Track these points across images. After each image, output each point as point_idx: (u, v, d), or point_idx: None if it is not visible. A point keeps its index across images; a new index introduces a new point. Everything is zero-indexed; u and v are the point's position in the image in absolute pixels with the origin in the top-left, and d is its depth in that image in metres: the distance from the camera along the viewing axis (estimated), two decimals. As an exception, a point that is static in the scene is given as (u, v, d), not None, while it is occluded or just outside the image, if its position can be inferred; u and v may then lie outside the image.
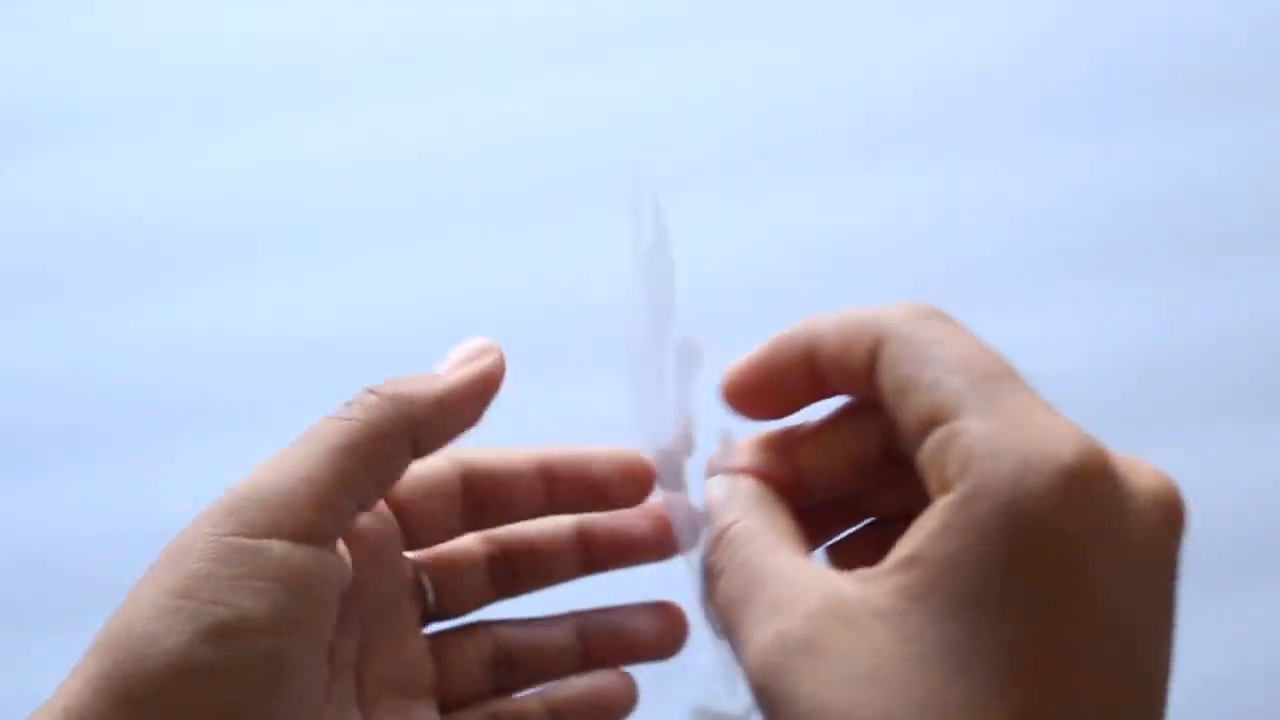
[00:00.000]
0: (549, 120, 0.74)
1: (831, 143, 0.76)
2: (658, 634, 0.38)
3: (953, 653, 0.25)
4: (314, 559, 0.31)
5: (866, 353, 0.30)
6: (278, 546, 0.31)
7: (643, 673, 0.68)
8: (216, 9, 0.79)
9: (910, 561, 0.27)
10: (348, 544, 0.34)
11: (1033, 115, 0.76)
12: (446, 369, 0.35)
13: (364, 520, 0.35)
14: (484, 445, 0.37)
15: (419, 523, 0.36)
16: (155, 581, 0.31)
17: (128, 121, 0.77)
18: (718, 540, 0.32)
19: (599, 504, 0.37)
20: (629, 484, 0.36)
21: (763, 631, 0.29)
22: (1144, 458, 0.28)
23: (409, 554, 0.37)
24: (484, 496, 0.37)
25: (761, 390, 0.33)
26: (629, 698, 0.38)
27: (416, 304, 0.73)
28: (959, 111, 0.77)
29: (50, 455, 0.71)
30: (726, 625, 0.31)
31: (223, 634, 0.30)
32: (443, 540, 0.37)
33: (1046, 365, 0.71)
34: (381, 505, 0.36)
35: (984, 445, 0.27)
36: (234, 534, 0.31)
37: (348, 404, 0.34)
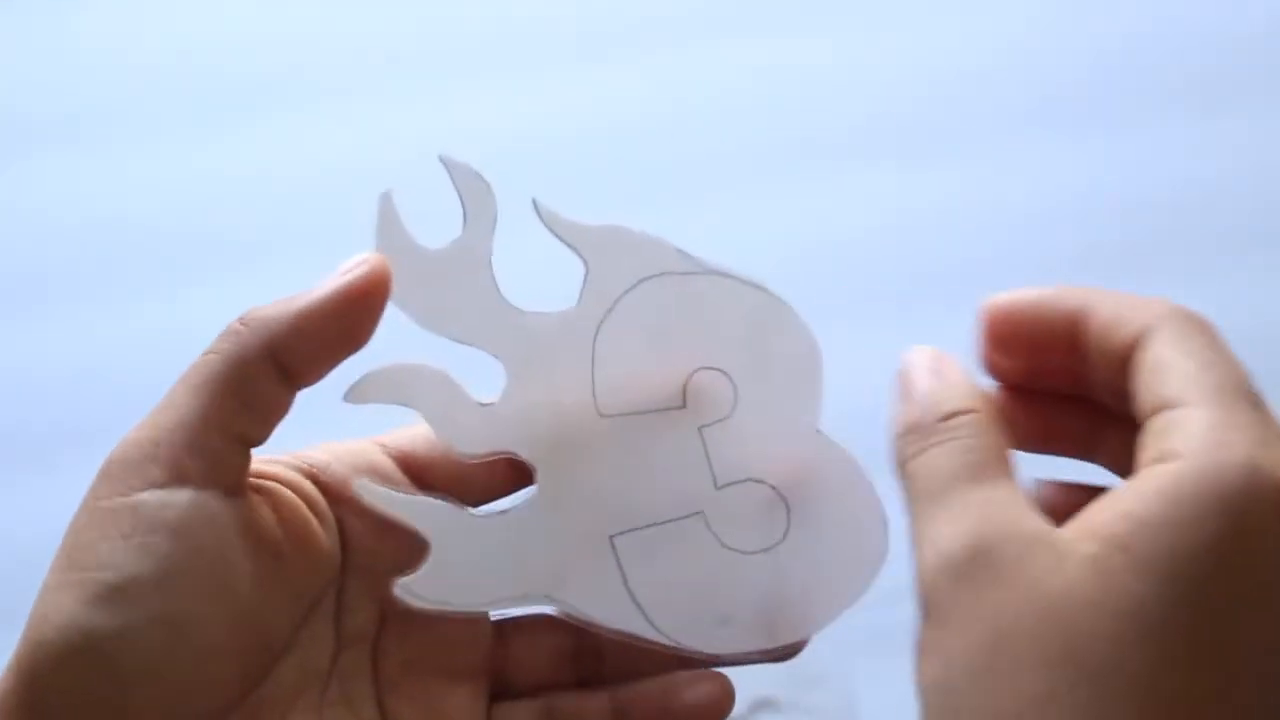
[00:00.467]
0: (549, 120, 0.74)
1: (832, 143, 0.76)
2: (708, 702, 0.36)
3: (1145, 613, 0.26)
4: (195, 505, 0.30)
5: (1137, 330, 0.30)
6: (151, 497, 0.30)
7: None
8: (216, 9, 0.79)
9: (1124, 516, 0.27)
10: (353, 513, 0.34)
11: (1033, 115, 0.77)
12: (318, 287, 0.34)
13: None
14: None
15: (468, 490, 0.36)
16: (53, 563, 0.30)
17: (128, 121, 0.77)
18: (943, 415, 0.31)
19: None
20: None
21: (959, 529, 0.28)
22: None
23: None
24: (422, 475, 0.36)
25: (1019, 327, 0.33)
26: (731, 700, 0.37)
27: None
28: (959, 112, 0.77)
29: (50, 455, 0.71)
30: (916, 496, 0.30)
31: (110, 598, 0.29)
32: None
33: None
34: (395, 470, 0.35)
35: (1220, 433, 0.27)
36: (108, 495, 0.30)
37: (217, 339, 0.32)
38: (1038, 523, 0.28)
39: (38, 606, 0.29)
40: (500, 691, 0.36)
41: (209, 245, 0.75)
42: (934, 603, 0.28)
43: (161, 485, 0.30)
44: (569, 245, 0.37)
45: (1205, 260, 0.74)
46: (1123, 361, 0.30)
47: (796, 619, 0.37)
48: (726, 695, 0.36)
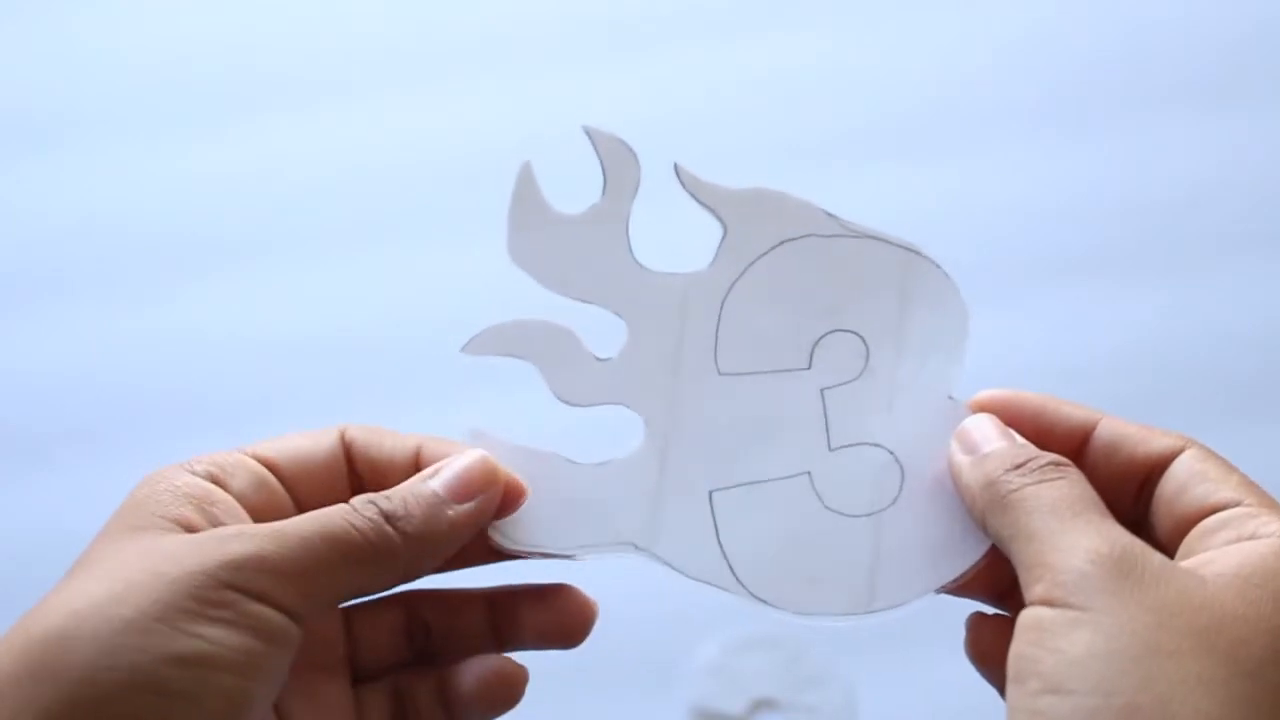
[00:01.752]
0: (549, 120, 0.74)
1: (831, 143, 0.76)
2: (559, 624, 0.38)
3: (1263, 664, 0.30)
4: (286, 624, 0.32)
5: (1168, 447, 0.35)
6: (262, 609, 0.32)
7: (643, 672, 0.69)
8: (216, 9, 0.79)
9: (1241, 564, 0.31)
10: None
11: (1033, 115, 0.77)
12: (451, 493, 0.35)
13: (255, 496, 0.35)
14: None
15: (309, 498, 0.36)
16: (125, 602, 0.31)
17: (128, 121, 0.77)
18: (1050, 462, 0.34)
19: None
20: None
21: (1108, 537, 0.31)
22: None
23: None
24: (366, 480, 0.37)
25: (1026, 419, 0.37)
26: (517, 691, 0.38)
27: (416, 304, 0.73)
28: (959, 111, 0.77)
29: (50, 455, 0.71)
30: (1044, 511, 0.33)
31: (190, 662, 0.30)
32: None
33: (1046, 365, 0.71)
34: (276, 484, 0.36)
35: None
36: (228, 585, 0.31)
37: (369, 504, 0.34)
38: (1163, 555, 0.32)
39: (102, 637, 0.30)
40: (357, 676, 0.38)
41: (209, 245, 0.75)
42: (1088, 588, 0.30)
43: (271, 605, 0.32)
44: (709, 209, 0.38)
45: (1205, 260, 0.74)
46: (1146, 470, 0.35)
47: (890, 589, 0.37)
48: (521, 681, 0.38)
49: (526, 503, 0.36)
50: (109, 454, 0.70)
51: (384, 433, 0.38)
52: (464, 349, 0.37)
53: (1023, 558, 0.32)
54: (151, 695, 0.30)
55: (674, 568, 0.37)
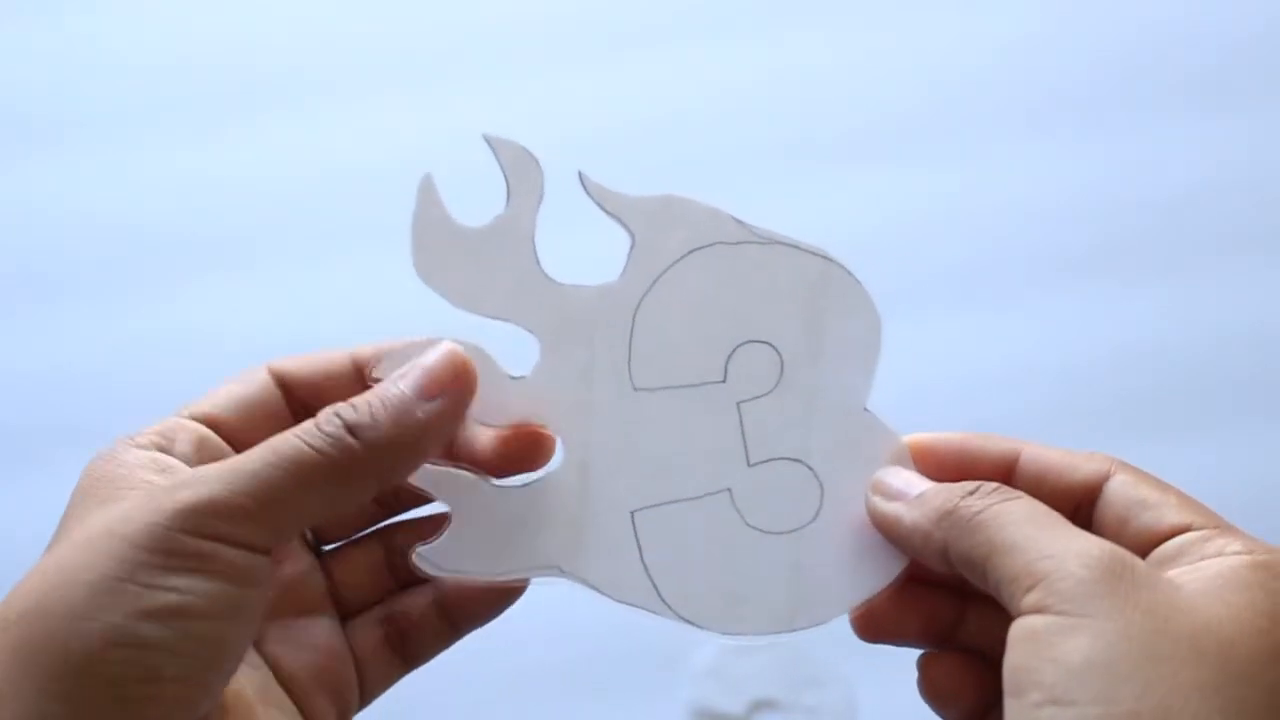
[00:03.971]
0: (547, 121, 0.74)
1: (831, 143, 0.76)
2: None
3: (1271, 639, 0.30)
4: (258, 563, 0.32)
5: (1094, 473, 0.35)
6: (225, 551, 0.31)
7: (643, 673, 0.68)
8: (216, 9, 0.79)
9: (1219, 574, 0.31)
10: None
11: (1033, 115, 0.77)
12: (420, 392, 0.34)
13: (199, 457, 0.35)
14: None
15: (257, 441, 0.35)
16: (91, 567, 0.31)
17: (128, 121, 0.77)
18: (998, 487, 0.34)
19: None
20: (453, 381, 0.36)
21: (1096, 543, 0.31)
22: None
23: None
24: (309, 403, 0.36)
25: (947, 462, 0.36)
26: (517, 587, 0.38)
27: (416, 304, 0.72)
28: (959, 112, 0.77)
29: (49, 455, 0.71)
30: (1023, 522, 0.32)
31: (166, 615, 0.30)
32: None
33: (1046, 365, 0.71)
34: (218, 440, 0.36)
35: (1259, 544, 0.32)
36: (183, 531, 0.31)
37: (320, 428, 0.33)
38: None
39: (72, 603, 0.31)
40: (344, 614, 0.38)
41: (208, 245, 0.75)
42: (1083, 594, 0.30)
43: (237, 545, 0.32)
44: (616, 218, 0.37)
45: (1205, 260, 0.74)
46: (1075, 499, 0.35)
47: (818, 603, 0.36)
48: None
49: (451, 527, 0.36)
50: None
51: (313, 356, 0.37)
52: (373, 372, 0.36)
53: (1006, 571, 0.32)
54: (133, 650, 0.30)
55: (600, 591, 0.36)
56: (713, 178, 0.74)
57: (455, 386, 0.35)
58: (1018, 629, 0.31)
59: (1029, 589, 0.31)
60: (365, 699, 0.38)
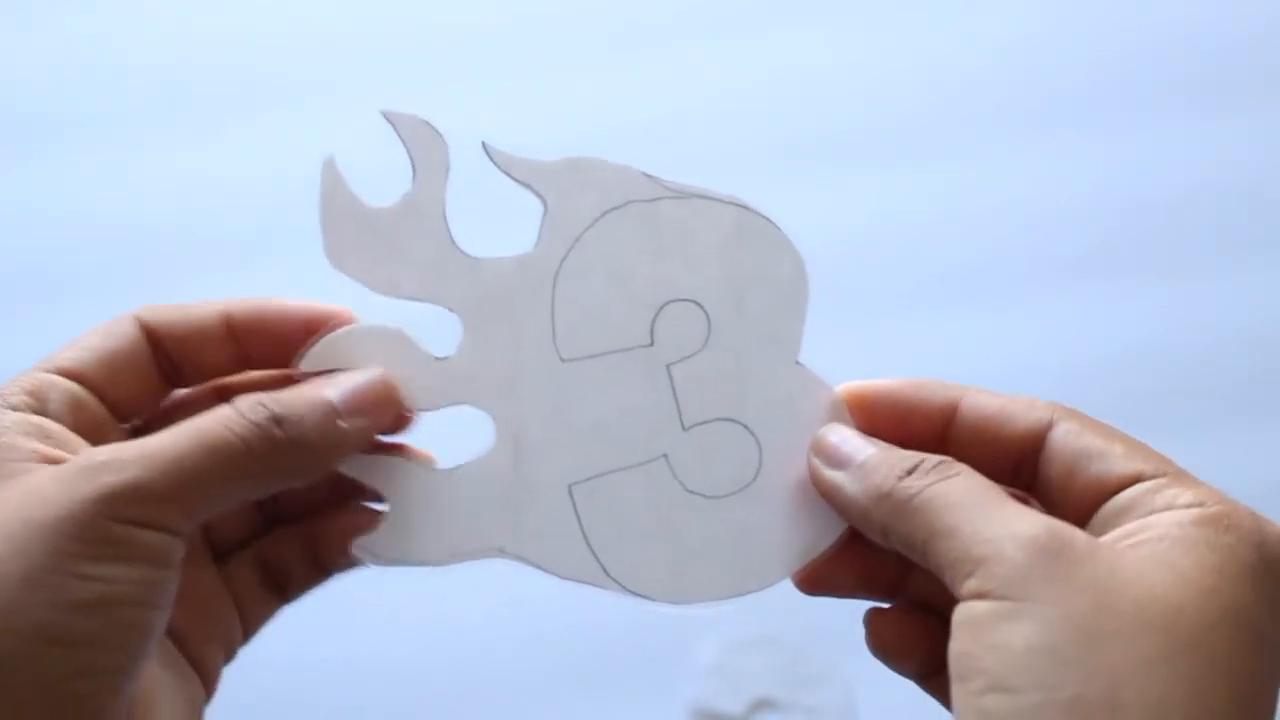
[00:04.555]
0: (546, 121, 0.74)
1: (832, 143, 0.76)
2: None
3: (1221, 601, 0.29)
4: (175, 544, 0.31)
5: (1035, 423, 0.34)
6: (147, 535, 0.31)
7: (643, 673, 0.68)
8: (215, 9, 0.79)
9: (1167, 533, 0.30)
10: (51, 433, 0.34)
11: (1033, 115, 0.77)
12: (346, 406, 0.34)
13: (74, 417, 0.34)
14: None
15: (122, 398, 0.35)
16: (12, 558, 0.30)
17: (128, 121, 0.77)
18: (939, 462, 0.33)
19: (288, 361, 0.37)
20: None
21: (1033, 521, 0.30)
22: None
23: (124, 425, 0.36)
24: (176, 359, 0.36)
25: (881, 413, 0.35)
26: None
27: (415, 303, 0.72)
28: (959, 112, 0.77)
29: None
30: (957, 506, 0.32)
31: (95, 606, 0.30)
32: (149, 408, 0.36)
33: (1046, 365, 0.71)
34: (88, 397, 0.35)
35: (1211, 493, 0.32)
36: (108, 518, 0.30)
37: (260, 406, 0.33)
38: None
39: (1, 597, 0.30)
40: (218, 554, 0.37)
41: (208, 245, 0.75)
42: (1021, 578, 0.29)
43: (156, 529, 0.31)
44: (526, 185, 0.36)
45: (1205, 260, 0.74)
46: (1019, 451, 0.34)
47: (763, 568, 0.35)
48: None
49: (389, 517, 0.35)
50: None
51: (184, 308, 0.36)
52: (298, 363, 0.35)
53: (946, 556, 0.31)
54: (60, 648, 0.29)
55: (545, 569, 0.35)
56: (713, 178, 0.74)
57: (377, 413, 0.35)
58: (960, 614, 0.30)
59: (968, 575, 0.30)
60: (248, 637, 0.38)
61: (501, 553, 0.36)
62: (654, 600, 0.36)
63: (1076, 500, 0.32)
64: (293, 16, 0.79)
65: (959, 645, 0.30)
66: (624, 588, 0.35)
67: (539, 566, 0.35)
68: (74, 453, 0.32)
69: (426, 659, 0.65)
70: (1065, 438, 0.33)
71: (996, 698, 0.29)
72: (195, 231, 0.75)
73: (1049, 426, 0.33)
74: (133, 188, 0.76)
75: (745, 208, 0.36)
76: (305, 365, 0.35)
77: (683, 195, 0.36)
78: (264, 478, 0.33)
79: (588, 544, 0.35)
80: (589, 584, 0.35)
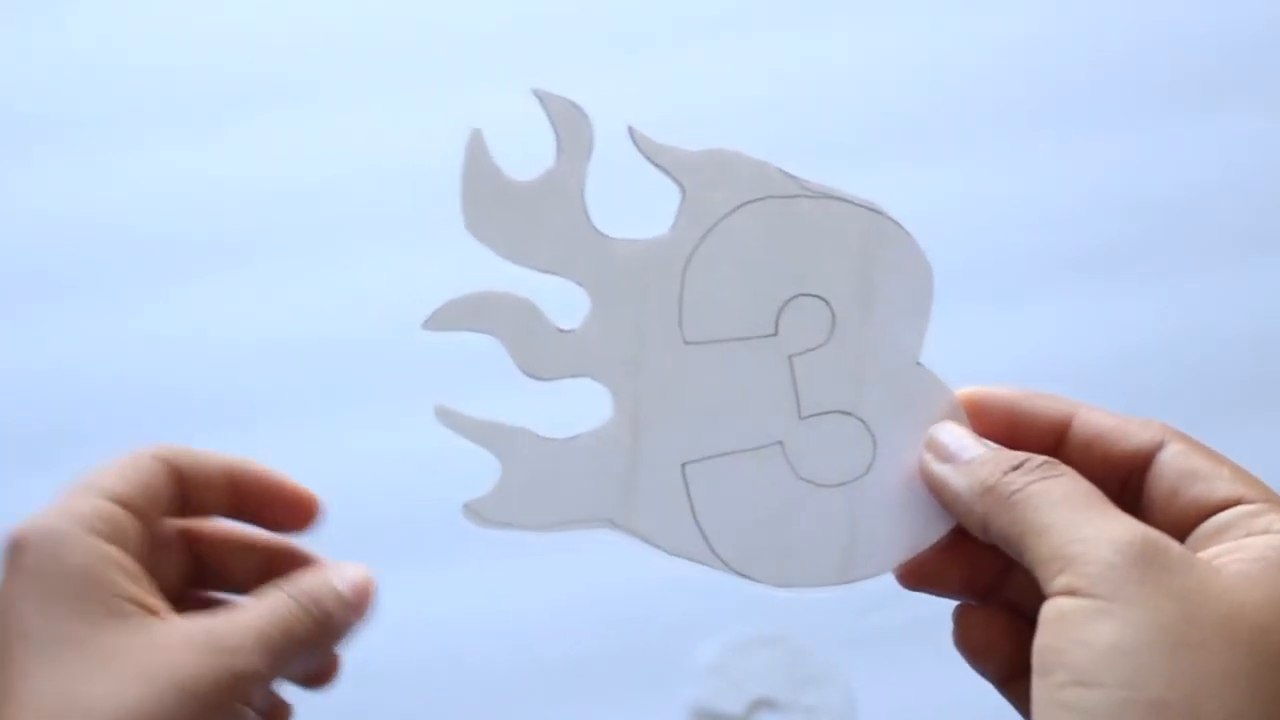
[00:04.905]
0: (546, 121, 0.74)
1: (833, 143, 0.76)
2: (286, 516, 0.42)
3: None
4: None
5: (1147, 442, 0.35)
6: (248, 712, 0.36)
7: (643, 672, 0.68)
8: (215, 9, 0.79)
9: (1260, 558, 0.31)
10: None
11: (1033, 115, 0.77)
12: (356, 600, 0.39)
13: (138, 552, 0.38)
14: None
15: (155, 528, 0.39)
16: (161, 715, 0.34)
17: (126, 121, 0.77)
18: (1043, 462, 0.34)
19: (271, 526, 0.42)
20: (295, 516, 0.42)
21: (1129, 526, 0.31)
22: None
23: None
24: (183, 496, 0.40)
25: (998, 419, 0.36)
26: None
27: (415, 304, 0.72)
28: (959, 112, 0.77)
29: (47, 455, 0.71)
30: (1057, 504, 0.32)
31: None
32: (164, 536, 0.41)
33: (1046, 365, 0.71)
34: (138, 524, 0.38)
35: None
36: (237, 699, 0.35)
37: (313, 602, 0.38)
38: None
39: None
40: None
41: (206, 245, 0.75)
42: (1113, 578, 0.30)
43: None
44: (666, 172, 0.37)
45: (1205, 260, 0.74)
46: (1128, 468, 0.35)
47: (868, 557, 0.36)
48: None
49: (500, 479, 0.36)
50: (106, 455, 0.70)
51: (193, 453, 0.40)
52: (424, 324, 0.37)
53: (1039, 553, 0.32)
54: None
55: (651, 543, 0.36)
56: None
57: (368, 605, 0.39)
58: (1048, 610, 0.31)
59: (1059, 571, 0.31)
60: None
61: (610, 524, 0.36)
62: (757, 581, 0.36)
63: (1177, 516, 0.33)
64: (293, 16, 0.79)
65: (1044, 639, 0.30)
66: (729, 566, 0.36)
67: (646, 540, 0.36)
68: (149, 595, 0.36)
69: (427, 659, 0.65)
70: (1175, 458, 0.34)
71: (1079, 692, 0.29)
72: (195, 231, 0.75)
73: (1160, 446, 0.35)
74: (133, 188, 0.76)
75: (879, 212, 0.38)
76: (430, 325, 0.37)
77: (818, 195, 0.37)
78: (308, 659, 0.38)
79: (696, 521, 0.36)
80: (694, 560, 0.36)
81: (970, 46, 0.78)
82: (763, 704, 0.67)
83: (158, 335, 0.74)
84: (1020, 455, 0.34)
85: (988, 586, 0.37)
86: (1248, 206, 0.75)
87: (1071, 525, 0.32)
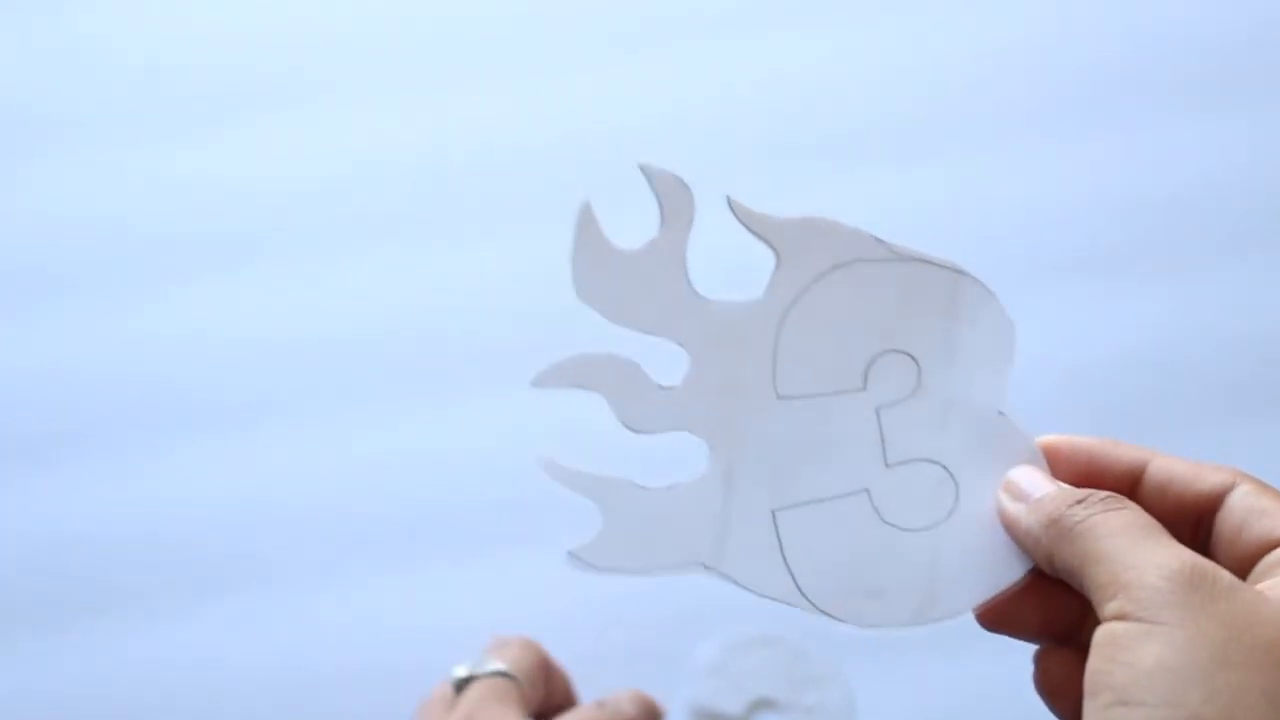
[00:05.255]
0: (549, 120, 0.74)
1: (832, 142, 0.76)
2: None
3: None
4: None
5: (1219, 484, 0.36)
6: None
7: (643, 672, 0.68)
8: (216, 10, 0.79)
9: None
10: None
11: (1033, 115, 0.76)
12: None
13: None
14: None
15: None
16: None
17: (126, 121, 0.77)
18: (1106, 496, 0.35)
19: None
20: None
21: (1179, 555, 0.33)
22: None
23: None
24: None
25: (1077, 466, 0.38)
26: None
27: (416, 304, 0.73)
28: (959, 112, 0.77)
29: (46, 456, 0.71)
30: (1114, 534, 0.34)
31: None
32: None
33: (1046, 365, 0.71)
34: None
35: None
36: None
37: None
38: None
39: None
40: None
41: (206, 245, 0.75)
42: (1160, 603, 0.32)
43: None
44: (762, 238, 0.39)
45: (1205, 260, 0.74)
46: (1199, 509, 0.36)
47: (949, 598, 0.38)
48: None
49: (602, 528, 0.38)
50: (105, 455, 0.70)
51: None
52: (534, 383, 0.38)
53: (1096, 580, 0.33)
54: None
55: (742, 586, 0.39)
56: (713, 177, 0.74)
57: None
58: (1100, 634, 0.32)
59: (1113, 597, 0.32)
60: None
61: (704, 569, 0.39)
62: (845, 622, 0.39)
63: (1242, 552, 0.35)
64: (293, 16, 0.79)
65: (1095, 663, 0.32)
66: (815, 606, 0.39)
67: (737, 583, 0.39)
68: None
69: (426, 659, 0.65)
70: (1243, 498, 0.36)
71: (1121, 711, 0.30)
72: (195, 231, 0.75)
73: (1230, 488, 0.36)
74: (132, 188, 0.76)
75: (961, 273, 0.40)
76: (539, 383, 0.39)
77: (905, 259, 0.40)
78: None
79: (786, 565, 0.39)
80: (783, 602, 0.39)
81: (969, 46, 0.78)
82: (762, 704, 0.67)
83: (158, 335, 0.74)
84: (1086, 491, 0.36)
85: (1067, 629, 0.38)
86: (1248, 206, 0.75)
87: (1128, 553, 0.33)
